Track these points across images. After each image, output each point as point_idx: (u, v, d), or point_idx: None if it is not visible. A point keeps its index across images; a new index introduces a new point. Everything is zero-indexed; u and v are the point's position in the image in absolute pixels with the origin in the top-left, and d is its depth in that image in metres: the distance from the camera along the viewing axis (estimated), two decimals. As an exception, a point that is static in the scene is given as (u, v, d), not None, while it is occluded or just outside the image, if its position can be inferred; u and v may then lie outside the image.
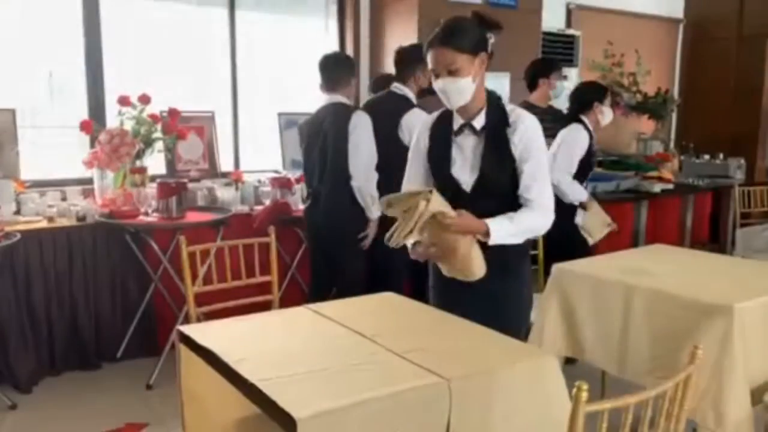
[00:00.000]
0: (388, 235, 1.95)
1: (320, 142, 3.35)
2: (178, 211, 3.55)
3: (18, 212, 3.59)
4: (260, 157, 4.67)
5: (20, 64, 3.88)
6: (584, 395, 1.24)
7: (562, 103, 4.70)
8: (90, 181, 3.84)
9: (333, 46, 4.90)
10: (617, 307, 2.54)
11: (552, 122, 4.30)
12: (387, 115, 3.43)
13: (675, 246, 3.47)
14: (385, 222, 2.48)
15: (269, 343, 1.83)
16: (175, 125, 3.89)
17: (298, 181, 4.03)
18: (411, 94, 3.53)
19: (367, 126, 3.28)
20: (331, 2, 4.97)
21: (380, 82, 4.29)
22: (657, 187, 5.35)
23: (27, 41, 3.89)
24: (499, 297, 2.10)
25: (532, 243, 2.39)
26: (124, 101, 3.74)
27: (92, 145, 3.82)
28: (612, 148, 5.86)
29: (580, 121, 3.75)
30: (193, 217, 3.66)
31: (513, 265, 2.15)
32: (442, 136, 2.18)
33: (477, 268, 2.04)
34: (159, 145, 3.85)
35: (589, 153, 3.74)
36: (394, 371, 1.60)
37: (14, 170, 3.68)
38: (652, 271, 2.67)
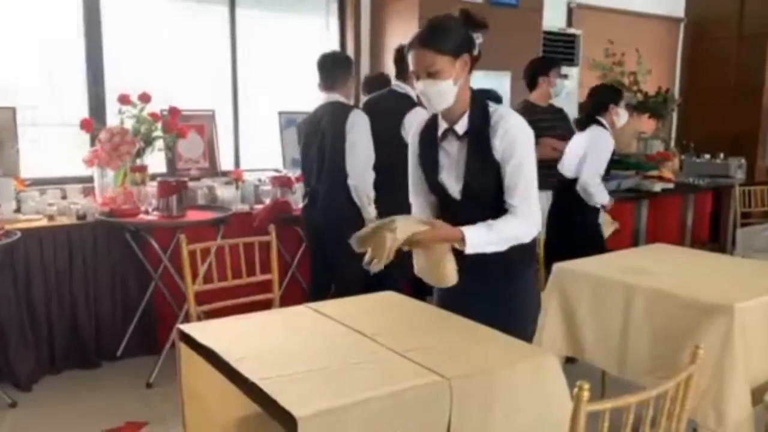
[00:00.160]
0: (365, 262, 1.90)
1: (318, 141, 3.34)
2: (178, 210, 3.55)
3: (18, 210, 3.59)
4: (261, 155, 4.67)
5: (21, 62, 3.88)
6: (586, 395, 1.24)
7: (562, 102, 4.71)
8: (90, 179, 3.84)
9: (334, 45, 4.90)
10: (617, 306, 2.54)
11: (552, 121, 4.31)
12: (389, 114, 3.42)
13: (675, 245, 3.47)
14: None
15: (270, 341, 1.82)
16: (176, 124, 3.88)
17: (298, 179, 4.03)
18: (412, 93, 3.52)
19: (365, 125, 3.27)
20: (331, 1, 4.97)
21: (373, 81, 4.29)
22: (657, 187, 5.35)
23: (27, 39, 3.89)
24: (501, 300, 2.06)
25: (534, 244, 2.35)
26: (124, 100, 3.74)
27: (92, 144, 3.82)
28: (612, 148, 5.85)
29: (601, 124, 3.79)
30: (193, 215, 3.66)
31: (516, 268, 2.09)
32: (429, 142, 2.12)
33: (449, 276, 1.99)
34: (159, 143, 3.85)
35: (612, 154, 3.82)
36: (395, 370, 1.60)
37: (14, 168, 3.68)
38: (652, 271, 2.67)
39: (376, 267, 1.88)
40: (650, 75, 6.17)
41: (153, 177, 3.80)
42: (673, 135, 7.09)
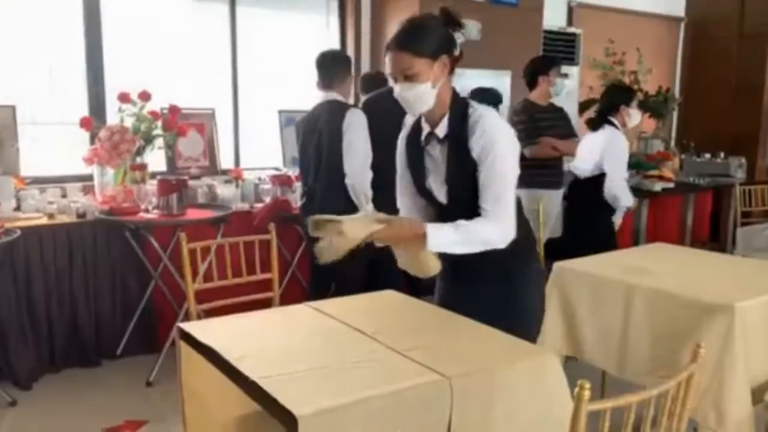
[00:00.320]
0: (316, 250, 1.83)
1: (315, 140, 3.34)
2: (178, 209, 3.55)
3: (18, 209, 3.59)
4: (261, 154, 4.67)
5: (20, 60, 3.88)
6: (587, 394, 1.24)
7: (562, 101, 4.70)
8: (90, 177, 3.83)
9: (334, 43, 4.90)
10: (618, 306, 2.53)
11: (552, 120, 4.31)
12: (388, 114, 3.40)
13: (675, 245, 3.48)
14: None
15: (270, 340, 1.82)
16: (176, 122, 3.88)
17: (298, 178, 4.03)
18: None
19: (362, 123, 3.26)
20: (332, -1, 4.97)
21: (370, 79, 4.29)
22: (658, 186, 5.35)
23: (27, 37, 3.89)
24: (501, 300, 2.02)
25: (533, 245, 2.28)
26: (124, 98, 3.73)
27: (92, 142, 3.82)
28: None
29: (613, 124, 3.84)
30: (193, 214, 3.66)
31: (513, 268, 2.04)
32: (415, 146, 2.08)
33: (430, 266, 1.96)
34: (159, 142, 3.85)
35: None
36: (395, 369, 1.60)
37: (14, 167, 3.67)
38: (652, 271, 2.67)
39: (323, 260, 1.82)
40: (651, 74, 6.17)
41: (153, 175, 3.80)
42: (674, 134, 7.09)
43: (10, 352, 3.33)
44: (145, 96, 3.75)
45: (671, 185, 5.52)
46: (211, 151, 4.38)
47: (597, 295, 2.63)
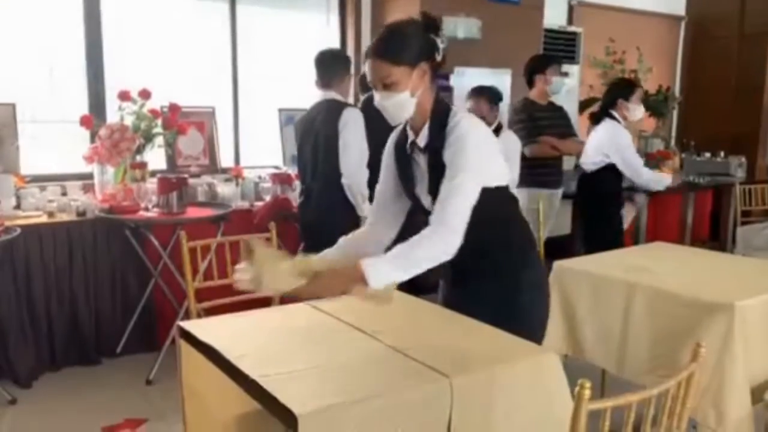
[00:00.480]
0: (235, 274, 1.73)
1: (312, 139, 3.33)
2: (178, 207, 3.55)
3: (18, 207, 3.59)
4: (261, 152, 4.67)
5: (21, 58, 3.88)
6: (587, 393, 1.24)
7: (562, 100, 4.71)
8: (90, 176, 3.83)
9: (334, 42, 4.90)
10: (618, 305, 2.54)
11: (552, 119, 4.31)
12: None
13: (675, 244, 3.48)
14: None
15: (270, 339, 1.82)
16: (176, 120, 3.88)
17: (298, 176, 4.03)
18: None
19: (358, 122, 3.25)
20: (332, -3, 4.97)
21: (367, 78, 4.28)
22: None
23: (27, 35, 3.88)
24: (500, 303, 1.99)
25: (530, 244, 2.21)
26: (124, 96, 3.73)
27: (92, 140, 3.81)
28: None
29: (613, 118, 3.91)
30: (193, 212, 3.66)
31: (513, 271, 2.01)
32: (402, 153, 2.05)
33: (382, 300, 1.81)
34: (159, 140, 3.85)
35: None
36: (395, 368, 1.60)
37: (14, 165, 3.67)
38: (652, 269, 2.67)
39: (240, 286, 1.73)
40: (651, 73, 6.16)
41: (153, 174, 3.80)
42: (674, 133, 7.09)
43: (10, 350, 3.33)
44: (145, 94, 3.75)
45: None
46: (211, 149, 4.38)
47: (597, 294, 2.63)
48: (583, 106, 5.98)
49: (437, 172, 1.86)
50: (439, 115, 1.91)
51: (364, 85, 4.23)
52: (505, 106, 4.35)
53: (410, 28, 1.89)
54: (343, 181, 3.25)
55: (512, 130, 4.00)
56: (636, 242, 5.13)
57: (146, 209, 3.60)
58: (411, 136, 1.98)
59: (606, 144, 3.91)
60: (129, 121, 3.73)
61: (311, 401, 1.39)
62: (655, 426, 1.41)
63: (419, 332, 1.86)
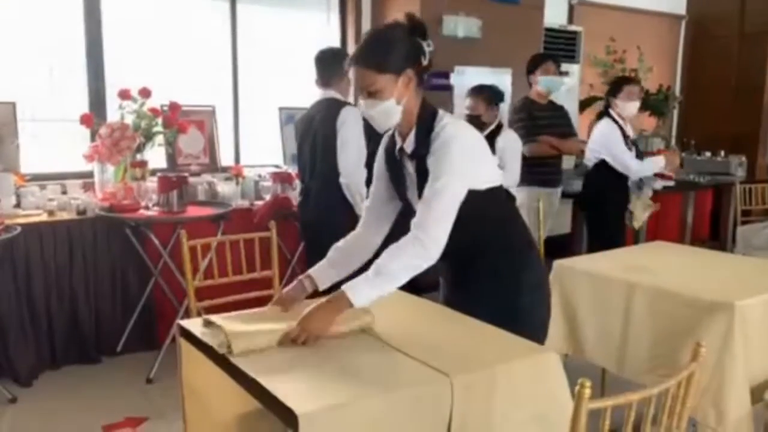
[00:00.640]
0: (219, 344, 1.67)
1: (311, 138, 3.33)
2: (178, 206, 3.55)
3: (18, 205, 3.58)
4: (261, 151, 4.67)
5: (21, 56, 3.87)
6: (587, 392, 1.24)
7: (563, 99, 4.71)
8: (90, 174, 3.83)
9: (334, 40, 4.90)
10: (618, 304, 2.54)
11: (552, 119, 4.30)
12: None
13: (675, 243, 3.48)
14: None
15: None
16: (176, 119, 3.88)
17: (298, 175, 4.02)
18: None
19: (356, 121, 3.23)
20: (332, -5, 4.96)
21: None
22: (658, 184, 5.33)
23: (28, 34, 3.88)
24: (499, 304, 1.98)
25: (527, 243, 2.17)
26: (124, 95, 3.73)
27: (93, 139, 3.81)
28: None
29: (609, 115, 4.06)
30: (193, 211, 3.66)
31: (506, 272, 1.99)
32: (392, 158, 2.01)
33: (362, 324, 1.82)
34: (159, 139, 3.84)
35: (626, 136, 4.06)
36: (396, 366, 1.60)
37: (14, 163, 3.67)
38: (652, 269, 2.67)
39: (220, 351, 1.67)
40: (651, 72, 6.16)
41: (153, 172, 3.80)
42: (674, 132, 7.09)
43: (10, 349, 3.33)
44: (145, 93, 3.75)
45: (671, 183, 5.51)
46: (211, 148, 4.38)
47: (597, 293, 2.63)
48: (584, 105, 5.98)
49: (424, 178, 1.85)
50: (426, 121, 1.88)
51: None
52: (505, 106, 4.35)
53: (395, 33, 1.84)
54: (341, 180, 3.25)
55: (512, 129, 4.00)
56: (636, 242, 5.12)
57: (146, 208, 3.60)
58: (399, 142, 1.96)
59: (597, 141, 4.08)
60: (129, 119, 3.73)
61: (312, 400, 1.39)
62: (655, 425, 1.41)
63: (420, 331, 1.86)
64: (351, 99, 3.59)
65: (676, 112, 6.95)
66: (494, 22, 4.85)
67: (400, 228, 1.97)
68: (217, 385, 1.78)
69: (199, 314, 2.65)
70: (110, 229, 3.59)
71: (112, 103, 3.93)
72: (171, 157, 4.16)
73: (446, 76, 4.71)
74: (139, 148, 3.73)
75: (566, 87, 5.42)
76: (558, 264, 2.78)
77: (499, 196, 2.00)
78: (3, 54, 3.80)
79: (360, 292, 1.74)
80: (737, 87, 6.68)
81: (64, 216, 3.53)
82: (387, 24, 1.93)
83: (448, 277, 2.13)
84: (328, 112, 3.27)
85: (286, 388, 1.43)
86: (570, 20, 6.08)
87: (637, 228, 4.30)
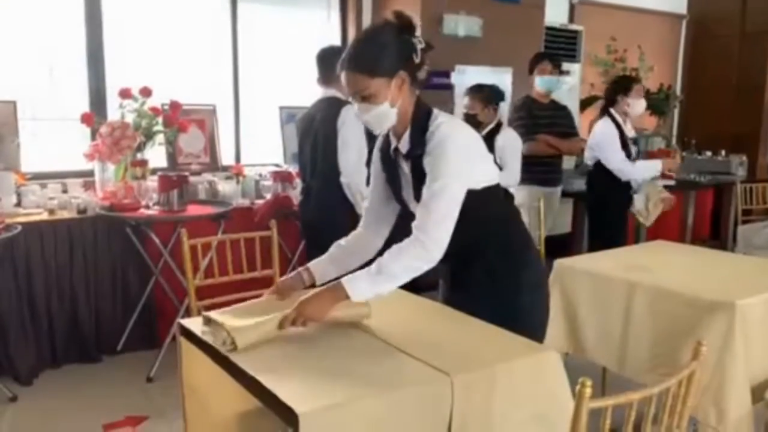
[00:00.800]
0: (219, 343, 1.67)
1: (312, 137, 3.33)
2: (179, 205, 3.55)
3: (19, 204, 3.58)
4: (261, 150, 4.66)
5: (21, 55, 3.87)
6: (588, 391, 1.24)
7: (564, 98, 4.70)
8: (91, 173, 3.83)
9: (335, 39, 4.89)
10: (619, 304, 2.54)
11: (552, 118, 4.30)
12: None
13: (676, 243, 3.48)
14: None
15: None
16: (177, 118, 3.88)
17: (298, 175, 4.02)
18: None
19: (357, 120, 3.22)
20: (333, -6, 4.96)
21: None
22: (658, 184, 5.33)
23: (28, 33, 3.88)
24: (494, 304, 1.96)
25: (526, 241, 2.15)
26: (125, 94, 3.73)
27: (93, 138, 3.81)
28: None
29: (609, 115, 4.02)
30: (194, 210, 3.66)
31: (505, 271, 1.98)
32: (387, 158, 2.00)
33: (358, 316, 1.83)
34: (160, 138, 3.84)
35: (623, 142, 3.99)
36: (396, 366, 1.60)
37: (15, 162, 3.67)
38: (653, 268, 2.67)
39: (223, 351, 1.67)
40: (652, 72, 6.16)
41: (154, 171, 3.80)
42: (675, 132, 7.08)
43: (11, 347, 3.33)
44: (146, 92, 3.75)
45: (672, 183, 5.50)
46: (211, 147, 4.38)
47: (598, 292, 2.63)
48: (584, 104, 5.98)
49: (420, 178, 1.84)
50: (420, 120, 1.86)
51: None
52: (506, 105, 4.35)
53: (385, 35, 1.81)
54: (342, 179, 3.24)
55: (512, 128, 4.00)
56: (637, 241, 5.13)
57: (147, 207, 3.60)
58: (393, 142, 1.94)
59: (594, 141, 4.07)
60: (130, 118, 3.73)
61: (312, 399, 1.39)
62: (655, 424, 1.41)
63: (419, 330, 1.86)
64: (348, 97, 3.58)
65: (676, 112, 6.94)
66: (495, 21, 4.85)
67: (400, 231, 1.97)
68: (218, 384, 1.78)
69: (199, 313, 2.66)
70: (111, 228, 3.59)
71: (112, 101, 3.93)
72: (171, 156, 4.16)
73: (447, 75, 4.71)
74: (140, 147, 3.73)
75: (567, 86, 5.42)
76: (558, 263, 2.78)
77: (496, 195, 1.99)
78: (3, 53, 3.80)
79: (359, 287, 1.75)
80: (738, 86, 6.68)
81: (64, 215, 3.53)
82: (375, 25, 1.91)
83: (447, 278, 2.13)
84: (329, 111, 3.26)
85: (287, 387, 1.43)
86: (571, 19, 6.08)
87: (649, 225, 4.28)
